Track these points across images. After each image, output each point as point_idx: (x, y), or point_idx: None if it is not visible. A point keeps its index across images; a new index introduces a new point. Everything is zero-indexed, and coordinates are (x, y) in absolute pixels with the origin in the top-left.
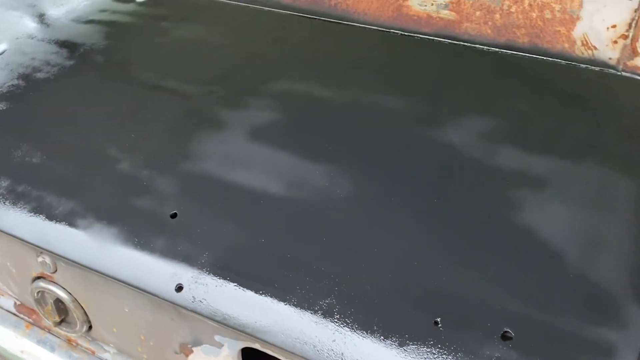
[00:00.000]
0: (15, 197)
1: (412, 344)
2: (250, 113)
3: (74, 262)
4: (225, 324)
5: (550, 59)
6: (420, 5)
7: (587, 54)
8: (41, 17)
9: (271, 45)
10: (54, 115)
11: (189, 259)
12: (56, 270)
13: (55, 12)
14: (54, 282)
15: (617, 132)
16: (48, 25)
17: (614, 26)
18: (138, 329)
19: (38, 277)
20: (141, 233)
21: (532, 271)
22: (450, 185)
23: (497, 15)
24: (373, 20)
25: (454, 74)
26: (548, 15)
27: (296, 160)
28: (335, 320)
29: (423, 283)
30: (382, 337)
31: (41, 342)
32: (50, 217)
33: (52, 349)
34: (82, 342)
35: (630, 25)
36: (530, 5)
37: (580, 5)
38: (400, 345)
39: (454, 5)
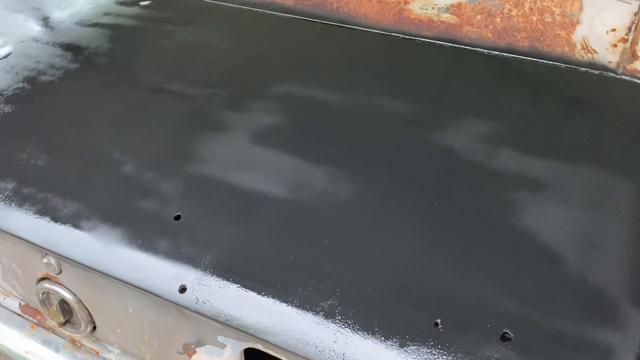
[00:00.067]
0: (21, 199)
1: (412, 345)
2: (253, 116)
3: (78, 264)
4: (228, 325)
5: (551, 62)
6: (421, 8)
7: (587, 57)
8: (45, 20)
9: (274, 48)
10: (59, 118)
11: (192, 261)
12: (61, 272)
13: (59, 15)
14: (59, 283)
15: (617, 134)
16: (52, 29)
17: (613, 30)
18: (142, 329)
19: (43, 278)
20: (145, 235)
21: (531, 273)
22: (450, 187)
23: (498, 19)
24: (374, 23)
25: (455, 77)
26: (548, 19)
27: (298, 163)
28: (337, 321)
29: (423, 284)
30: (383, 338)
31: (46, 343)
32: (55, 219)
33: (56, 349)
34: (87, 343)
35: (629, 29)
36: (530, 9)
37: (581, 9)
38: (401, 345)
39: (455, 9)
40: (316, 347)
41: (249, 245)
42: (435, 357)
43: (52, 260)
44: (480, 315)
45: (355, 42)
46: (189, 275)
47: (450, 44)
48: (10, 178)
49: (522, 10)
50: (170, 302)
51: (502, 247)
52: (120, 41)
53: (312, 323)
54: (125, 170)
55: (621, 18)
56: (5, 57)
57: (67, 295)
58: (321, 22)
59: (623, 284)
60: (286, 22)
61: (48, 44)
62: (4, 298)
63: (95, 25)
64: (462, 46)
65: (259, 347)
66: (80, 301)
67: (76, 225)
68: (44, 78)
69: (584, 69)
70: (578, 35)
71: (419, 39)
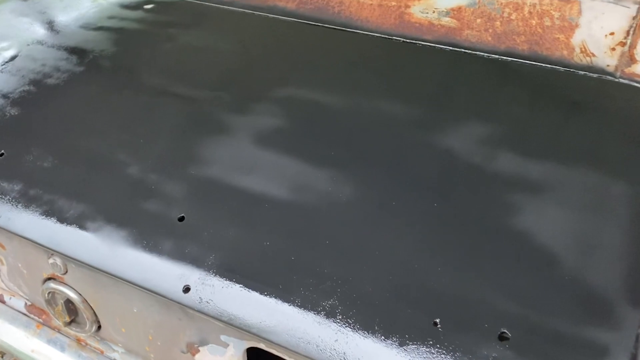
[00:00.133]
0: (28, 201)
1: (411, 344)
2: (255, 118)
3: (84, 264)
4: (231, 324)
5: (549, 65)
6: (422, 12)
7: (585, 61)
8: (50, 24)
9: (276, 51)
10: (64, 121)
11: (196, 261)
12: (67, 272)
13: (64, 19)
14: (65, 283)
15: (615, 137)
16: (57, 32)
17: (612, 33)
18: (146, 329)
19: (49, 278)
20: (149, 236)
21: (528, 274)
22: (450, 189)
23: (498, 23)
24: (376, 27)
25: (455, 80)
26: (547, 23)
27: (300, 165)
28: (338, 320)
29: (423, 285)
30: (383, 337)
31: (51, 342)
32: (61, 220)
33: (62, 348)
34: (91, 342)
35: (628, 32)
36: (530, 12)
37: (579, 12)
38: (401, 345)
39: (455, 12)
40: (317, 346)
41: (252, 246)
42: (434, 356)
43: (58, 261)
44: (479, 315)
45: (356, 45)
46: (192, 275)
47: (451, 48)
48: (16, 180)
49: (521, 14)
50: (174, 301)
51: (500, 248)
52: (124, 44)
53: (313, 322)
54: (130, 172)
55: (620, 22)
56: (12, 60)
57: (72, 295)
58: (323, 26)
59: (619, 284)
60: (288, 25)
61: (53, 47)
62: (10, 298)
63: (99, 28)
64: (462, 50)
65: (262, 346)
66: (85, 301)
67: (82, 226)
68: (49, 81)
69: (582, 73)
70: (577, 38)
71: (420, 42)
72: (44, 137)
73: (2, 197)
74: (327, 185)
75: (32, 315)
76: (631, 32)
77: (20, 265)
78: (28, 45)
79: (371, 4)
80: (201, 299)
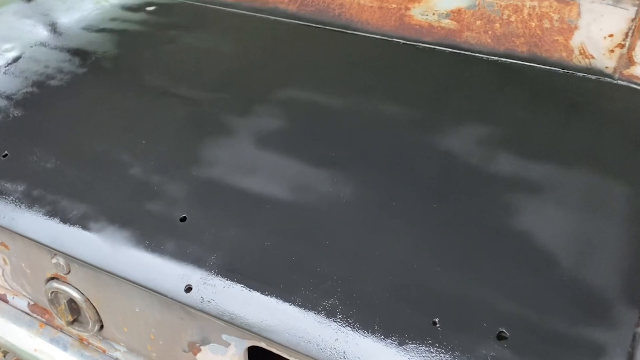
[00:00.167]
0: (31, 201)
1: (411, 343)
2: (257, 119)
3: (87, 264)
4: (232, 324)
5: (548, 67)
6: (422, 14)
7: (584, 62)
8: (53, 26)
9: (277, 53)
10: (67, 122)
11: (197, 261)
12: (69, 272)
13: (66, 21)
14: (67, 283)
15: (613, 139)
16: (60, 34)
17: (610, 35)
18: (148, 328)
19: (52, 278)
20: (152, 236)
21: (526, 274)
22: (449, 190)
23: (497, 25)
24: (376, 29)
25: (455, 82)
26: (547, 25)
27: (301, 166)
28: (338, 320)
29: (422, 285)
30: (382, 336)
31: (54, 341)
32: (65, 220)
33: (64, 347)
34: (94, 341)
35: (626, 34)
36: (529, 14)
37: (578, 15)
38: (400, 344)
39: (455, 14)
40: (318, 345)
41: (253, 246)
42: (433, 355)
43: (61, 261)
44: (477, 314)
45: (357, 47)
46: (194, 275)
47: (450, 49)
48: (20, 180)
49: (521, 16)
50: (176, 301)
51: (498, 249)
52: (126, 46)
53: (314, 322)
54: (132, 172)
55: (618, 24)
56: (15, 61)
57: (75, 295)
58: (324, 28)
59: (616, 284)
60: (289, 27)
61: (56, 48)
62: (13, 297)
63: (102, 30)
64: (462, 51)
65: (262, 345)
66: (88, 300)
67: (84, 227)
68: (52, 82)
69: (581, 74)
70: (576, 40)
71: (420, 44)
72: (47, 138)
73: (5, 198)
74: (327, 186)
75: (35, 315)
76: (630, 34)
77: (23, 265)
78: (31, 46)
79: (371, 6)
80: (203, 299)
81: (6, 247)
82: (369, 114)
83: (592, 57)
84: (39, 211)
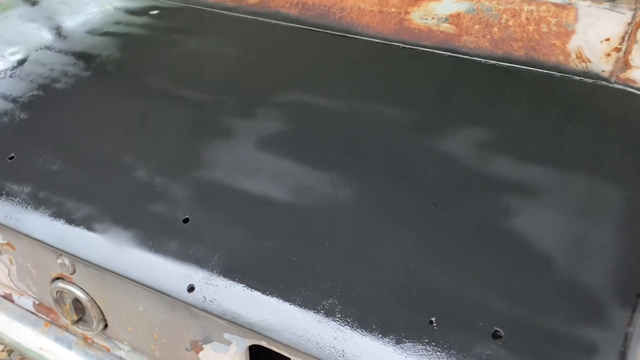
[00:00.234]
0: (37, 203)
1: (408, 342)
2: (258, 122)
3: (91, 264)
4: (234, 323)
5: (546, 71)
6: (421, 18)
7: (581, 66)
8: (58, 30)
9: (278, 56)
10: (72, 124)
11: (200, 261)
12: (74, 272)
13: (71, 24)
14: (72, 283)
15: (609, 142)
16: (65, 37)
17: (607, 39)
18: (151, 327)
19: (57, 278)
20: (155, 236)
21: (522, 274)
22: (447, 192)
23: (495, 29)
24: (376, 33)
25: (453, 85)
26: (544, 29)
27: (301, 168)
28: (337, 319)
29: (419, 285)
30: (380, 335)
31: (59, 340)
32: (70, 221)
33: (69, 346)
34: (98, 340)
35: (623, 38)
36: (527, 19)
37: (576, 19)
38: (397, 342)
39: (454, 19)
40: (317, 344)
41: (254, 246)
42: (430, 353)
43: (66, 261)
44: (473, 314)
45: (357, 51)
46: (196, 275)
47: (449, 53)
48: (26, 182)
49: (519, 20)
50: (179, 301)
51: (494, 250)
52: (130, 49)
53: (313, 321)
54: (136, 174)
55: (615, 28)
56: (20, 64)
57: (80, 295)
58: (324, 32)
59: (608, 285)
60: (290, 31)
61: (61, 52)
62: (19, 297)
63: (106, 34)
64: (460, 55)
65: (263, 343)
66: (92, 300)
67: (89, 228)
68: (57, 85)
69: (578, 78)
70: (573, 44)
71: (419, 48)
72: (52, 140)
73: (12, 199)
74: (327, 188)
75: (40, 314)
76: (626, 38)
77: (29, 265)
78: (36, 50)
79: (372, 10)
80: (205, 298)
81: (12, 247)
82: (369, 117)
83: (589, 61)
84: (45, 212)
